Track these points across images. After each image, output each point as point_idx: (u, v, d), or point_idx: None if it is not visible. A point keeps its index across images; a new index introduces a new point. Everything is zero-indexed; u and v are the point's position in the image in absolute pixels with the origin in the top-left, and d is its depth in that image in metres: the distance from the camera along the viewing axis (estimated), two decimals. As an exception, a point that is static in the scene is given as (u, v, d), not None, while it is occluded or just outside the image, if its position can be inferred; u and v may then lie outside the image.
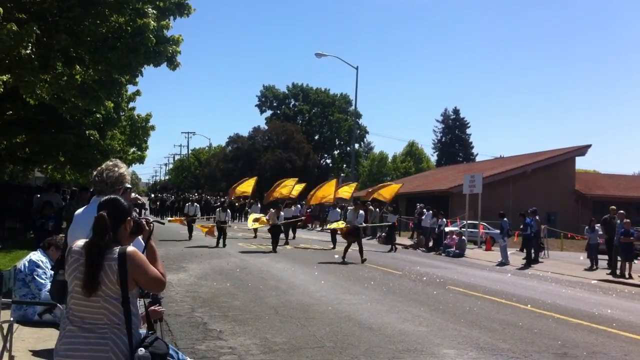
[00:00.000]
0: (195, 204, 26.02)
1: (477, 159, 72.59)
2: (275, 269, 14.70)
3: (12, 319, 5.63)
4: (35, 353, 6.08)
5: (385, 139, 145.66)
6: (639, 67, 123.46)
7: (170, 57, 11.63)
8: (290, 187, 25.86)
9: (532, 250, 20.19)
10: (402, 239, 28.20)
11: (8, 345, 5.26)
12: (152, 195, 62.33)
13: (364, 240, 18.94)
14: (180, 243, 21.53)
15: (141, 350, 2.94)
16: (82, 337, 2.95)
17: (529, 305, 10.76)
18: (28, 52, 9.38)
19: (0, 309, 5.20)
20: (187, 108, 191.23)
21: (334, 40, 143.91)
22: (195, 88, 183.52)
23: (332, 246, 22.21)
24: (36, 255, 6.42)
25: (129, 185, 3.96)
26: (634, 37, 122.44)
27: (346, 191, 26.58)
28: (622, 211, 17.87)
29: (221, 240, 20.76)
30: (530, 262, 19.71)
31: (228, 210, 22.78)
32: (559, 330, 8.69)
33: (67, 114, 13.86)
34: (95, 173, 4.01)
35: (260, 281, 12.49)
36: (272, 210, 21.95)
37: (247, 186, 25.46)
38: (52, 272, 5.01)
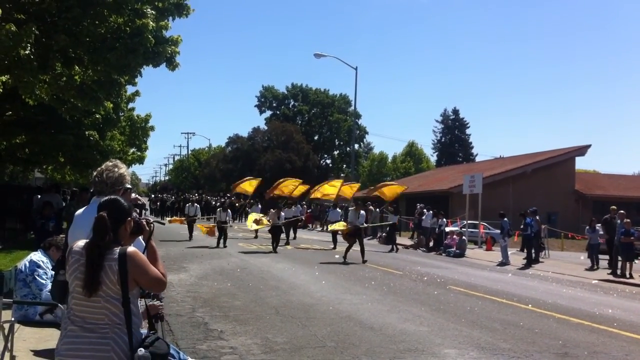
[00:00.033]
0: (196, 204, 26.03)
1: (477, 159, 72.67)
2: (275, 269, 14.69)
3: (13, 319, 5.63)
4: (36, 353, 6.08)
5: (385, 139, 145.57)
6: (639, 67, 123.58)
7: (169, 57, 11.62)
8: (293, 187, 25.65)
9: (533, 250, 20.20)
10: (403, 239, 28.19)
11: (9, 345, 5.26)
12: (152, 196, 62.38)
13: (364, 241, 18.93)
14: (181, 243, 21.53)
15: (141, 351, 2.94)
16: (83, 337, 2.95)
17: (529, 305, 10.75)
18: (27, 52, 9.37)
19: (1, 309, 5.19)
20: (187, 108, 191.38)
21: (333, 41, 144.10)
22: (194, 88, 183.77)
23: (332, 246, 22.22)
24: (37, 256, 6.41)
25: (129, 186, 3.96)
26: (634, 37, 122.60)
27: (348, 190, 26.36)
28: (622, 211, 17.87)
29: (222, 241, 20.76)
30: (530, 262, 19.71)
31: (229, 210, 22.75)
32: (560, 330, 8.68)
33: (66, 114, 13.86)
34: (95, 173, 4.00)
35: (260, 281, 12.49)
36: (272, 210, 21.95)
37: (249, 185, 25.31)
38: (53, 273, 5.00)
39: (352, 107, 63.09)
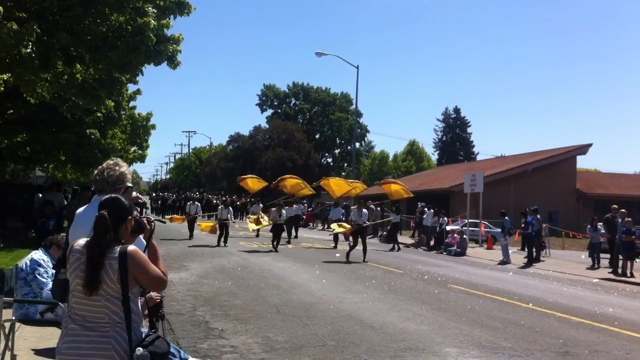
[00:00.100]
0: (196, 202, 26.03)
1: (478, 158, 72.54)
2: (276, 268, 14.70)
3: (13, 317, 5.64)
4: (37, 352, 6.09)
5: (386, 137, 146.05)
6: (639, 66, 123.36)
7: (170, 56, 11.61)
8: (299, 188, 24.99)
9: (534, 249, 20.19)
10: (404, 238, 28.18)
11: (10, 344, 5.27)
12: (154, 194, 62.43)
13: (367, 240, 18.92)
14: (182, 242, 21.54)
15: (139, 350, 2.94)
16: (84, 336, 2.95)
17: (530, 304, 10.76)
18: (28, 51, 9.37)
19: (1, 308, 5.19)
20: (188, 107, 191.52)
21: (334, 40, 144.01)
22: (195, 87, 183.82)
23: (333, 245, 22.21)
24: (38, 254, 6.41)
25: (129, 184, 3.96)
26: (634, 37, 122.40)
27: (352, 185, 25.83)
28: (623, 210, 17.86)
29: (222, 239, 20.76)
30: (531, 260, 19.71)
31: (230, 207, 22.75)
32: (561, 328, 8.68)
33: (67, 112, 13.84)
34: (96, 172, 4.00)
35: (261, 280, 12.49)
36: (273, 209, 21.95)
37: (254, 183, 25.11)
38: (54, 271, 5.00)
39: (353, 106, 63.15)
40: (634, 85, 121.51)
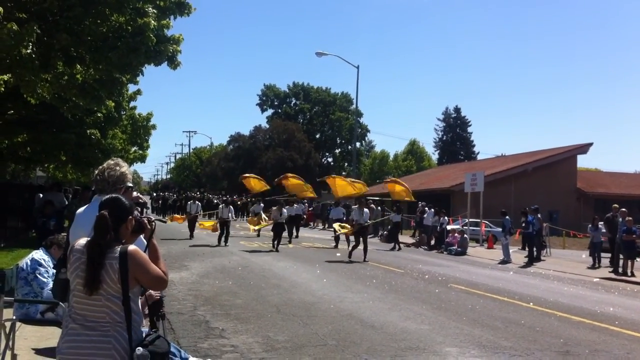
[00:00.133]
0: (197, 202, 26.03)
1: (479, 157, 72.52)
2: (277, 268, 14.70)
3: (14, 317, 5.65)
4: (37, 351, 6.09)
5: (387, 137, 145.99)
6: (639, 66, 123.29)
7: (170, 56, 11.61)
8: (301, 190, 24.86)
9: (534, 249, 20.19)
10: (404, 237, 28.17)
11: (10, 343, 5.27)
12: (154, 194, 62.46)
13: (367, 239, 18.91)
14: (182, 242, 21.55)
15: (139, 350, 2.94)
16: (84, 335, 2.96)
17: (531, 303, 10.75)
18: (29, 51, 9.37)
19: (2, 307, 5.20)
20: (188, 107, 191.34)
21: (335, 40, 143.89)
22: (196, 87, 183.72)
23: (334, 244, 22.20)
24: (38, 254, 6.43)
25: (130, 184, 3.97)
26: (634, 37, 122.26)
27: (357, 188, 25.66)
28: (624, 209, 17.86)
29: (223, 239, 20.77)
30: (532, 260, 19.71)
31: (230, 206, 22.75)
32: (561, 328, 8.68)
33: (68, 113, 13.84)
34: (96, 172, 4.01)
35: (262, 279, 12.50)
36: (274, 207, 21.94)
37: (257, 184, 25.07)
38: (54, 271, 5.01)
39: (354, 106, 63.18)
40: (634, 85, 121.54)
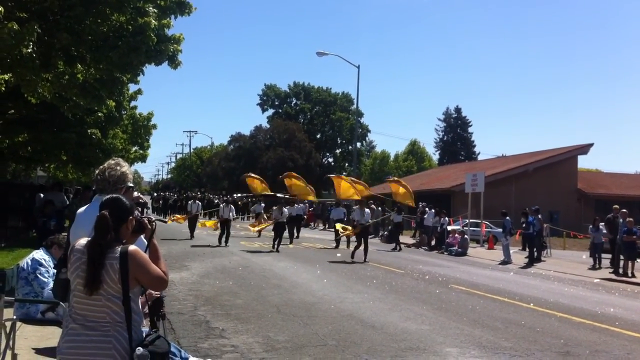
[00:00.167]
0: (197, 201, 26.03)
1: (479, 157, 72.58)
2: (277, 268, 14.70)
3: (15, 317, 5.64)
4: (38, 351, 6.09)
5: (387, 137, 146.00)
6: (639, 66, 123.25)
7: (171, 55, 11.61)
8: (303, 191, 24.71)
9: (535, 249, 20.18)
10: (405, 238, 28.17)
11: (11, 343, 5.27)
12: (155, 194, 62.47)
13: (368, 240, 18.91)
14: (183, 242, 21.55)
15: (139, 350, 2.94)
16: (84, 335, 2.95)
17: (531, 304, 10.75)
18: (29, 51, 9.37)
19: (2, 307, 5.20)
20: (189, 107, 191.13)
21: (335, 39, 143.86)
22: (196, 87, 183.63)
23: (334, 245, 22.20)
24: (39, 254, 6.43)
25: (131, 184, 3.96)
26: (634, 37, 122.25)
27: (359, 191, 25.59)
28: (624, 210, 17.86)
29: (223, 239, 20.76)
30: (532, 260, 19.71)
31: (231, 205, 22.75)
32: (562, 328, 8.68)
33: (68, 112, 13.85)
34: (97, 172, 4.00)
35: (262, 280, 12.50)
36: (274, 207, 21.95)
37: (259, 185, 25.02)
38: (55, 271, 5.01)
39: (354, 106, 63.14)
40: (634, 85, 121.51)
